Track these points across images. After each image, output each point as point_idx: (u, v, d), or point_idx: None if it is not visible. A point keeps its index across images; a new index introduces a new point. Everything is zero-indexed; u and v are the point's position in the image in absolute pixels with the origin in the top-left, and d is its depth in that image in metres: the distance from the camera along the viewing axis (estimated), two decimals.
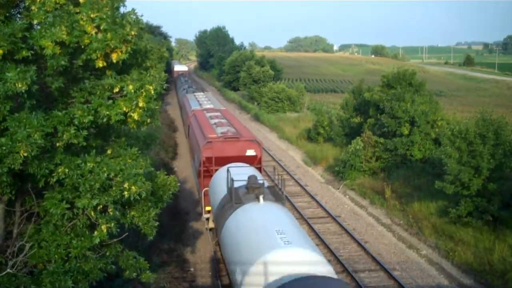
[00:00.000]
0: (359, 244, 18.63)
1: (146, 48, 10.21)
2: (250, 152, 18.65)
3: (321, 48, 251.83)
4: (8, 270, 7.88)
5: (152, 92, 8.08)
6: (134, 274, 9.57)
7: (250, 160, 18.41)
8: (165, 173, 10.78)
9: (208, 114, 25.82)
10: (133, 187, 7.99)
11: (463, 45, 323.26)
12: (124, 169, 8.06)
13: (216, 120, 23.43)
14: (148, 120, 8.61)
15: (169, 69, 73.51)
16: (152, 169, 9.64)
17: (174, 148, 34.89)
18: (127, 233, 9.45)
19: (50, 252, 8.23)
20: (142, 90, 8.02)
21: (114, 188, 8.05)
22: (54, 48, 7.34)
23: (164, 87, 8.47)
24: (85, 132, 7.80)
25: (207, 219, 18.05)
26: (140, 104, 7.98)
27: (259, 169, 18.35)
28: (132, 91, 7.98)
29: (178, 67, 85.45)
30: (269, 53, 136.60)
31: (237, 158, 17.99)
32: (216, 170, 17.37)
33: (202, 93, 40.90)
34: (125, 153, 8.77)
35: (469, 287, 15.55)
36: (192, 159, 25.27)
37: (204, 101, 33.26)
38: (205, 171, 18.37)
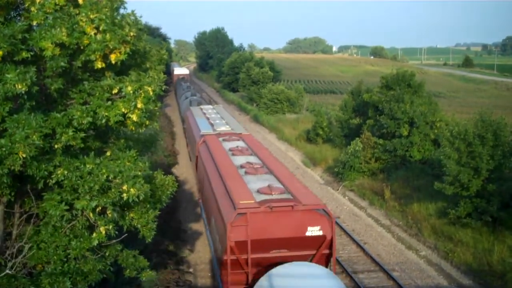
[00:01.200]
0: (358, 245, 18.63)
1: (145, 49, 10.22)
2: (314, 231, 11.24)
3: (320, 49, 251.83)
4: (7, 271, 7.89)
5: (151, 93, 8.09)
6: (135, 272, 9.58)
7: (313, 243, 11.47)
8: (163, 173, 10.78)
9: (227, 145, 18.31)
10: (132, 189, 7.98)
11: (462, 46, 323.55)
12: (123, 171, 8.06)
13: (242, 159, 15.48)
14: (147, 122, 8.61)
15: (168, 71, 72.63)
16: (151, 172, 9.65)
17: (174, 154, 34.46)
18: (126, 234, 9.46)
19: (49, 253, 8.23)
20: (141, 91, 8.02)
21: (113, 190, 8.05)
22: (54, 49, 7.36)
23: (162, 89, 8.46)
24: (82, 134, 7.80)
25: None
26: (139, 105, 7.98)
27: (327, 257, 11.82)
28: (131, 92, 7.98)
29: (178, 70, 76.06)
30: (268, 54, 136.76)
31: (291, 240, 11.28)
32: (254, 260, 11.18)
33: (210, 106, 33.05)
34: (124, 156, 8.77)
35: (468, 287, 15.56)
36: (206, 220, 16.35)
37: (217, 120, 25.27)
38: (234, 262, 11.25)
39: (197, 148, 20.00)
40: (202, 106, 31.91)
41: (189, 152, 28.26)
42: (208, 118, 26.09)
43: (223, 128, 22.31)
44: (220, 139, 19.65)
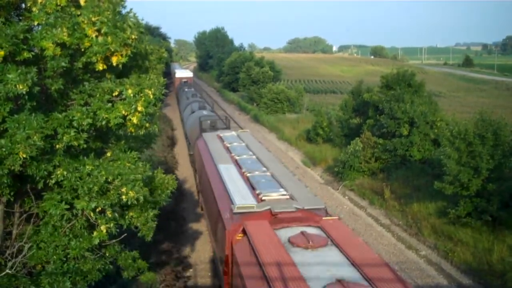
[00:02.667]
0: None
1: (147, 51, 10.25)
2: None
3: (320, 49, 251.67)
4: (8, 270, 7.90)
5: (151, 96, 8.11)
6: (133, 274, 9.61)
7: None
8: (163, 172, 10.77)
9: (306, 259, 8.43)
10: (130, 192, 8.04)
11: (462, 46, 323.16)
12: (123, 173, 8.10)
13: None
14: (147, 125, 8.62)
15: (168, 72, 71.44)
16: (151, 173, 9.67)
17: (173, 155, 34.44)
18: (125, 234, 9.48)
19: (49, 253, 8.25)
20: (141, 95, 8.05)
21: (112, 192, 8.08)
22: (55, 49, 7.37)
23: (163, 92, 8.49)
24: (85, 135, 7.83)
25: None
26: (139, 109, 8.01)
27: None
28: (131, 95, 8.01)
29: (181, 73, 64.64)
30: (268, 54, 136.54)
31: None
32: None
33: (234, 134, 20.87)
34: (124, 157, 8.79)
35: (468, 287, 15.57)
36: None
37: (255, 170, 14.06)
38: None
39: (228, 242, 10.48)
40: (221, 134, 20.50)
41: (203, 209, 18.28)
42: (237, 163, 15.07)
43: (275, 196, 11.49)
44: (279, 232, 9.71)
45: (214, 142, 19.11)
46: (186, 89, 46.68)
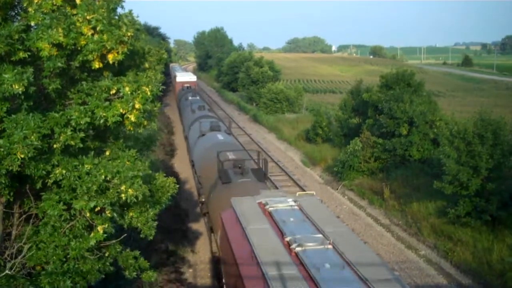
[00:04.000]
0: None
1: (144, 50, 10.23)
2: None
3: (319, 49, 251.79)
4: (7, 271, 7.88)
5: (148, 93, 8.10)
6: (134, 273, 9.59)
7: None
8: (164, 174, 10.76)
9: None
10: (130, 190, 7.99)
11: (461, 46, 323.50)
12: (121, 171, 8.07)
13: None
14: (145, 123, 8.60)
15: (167, 73, 70.68)
16: (150, 171, 9.64)
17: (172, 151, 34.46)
18: (125, 234, 9.47)
19: (48, 254, 8.22)
20: (139, 92, 8.03)
21: (111, 190, 8.05)
22: (51, 50, 7.35)
23: (160, 89, 8.47)
24: (82, 134, 7.81)
25: None
26: (137, 106, 7.98)
27: None
28: (129, 92, 7.99)
29: (182, 76, 54.61)
30: (267, 54, 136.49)
31: None
32: None
33: (293, 207, 11.25)
34: (123, 155, 8.77)
35: (467, 287, 15.57)
36: None
37: None
38: None
39: None
40: (270, 206, 11.20)
41: None
42: None
43: None
44: None
45: (260, 228, 9.97)
46: (190, 97, 38.01)
